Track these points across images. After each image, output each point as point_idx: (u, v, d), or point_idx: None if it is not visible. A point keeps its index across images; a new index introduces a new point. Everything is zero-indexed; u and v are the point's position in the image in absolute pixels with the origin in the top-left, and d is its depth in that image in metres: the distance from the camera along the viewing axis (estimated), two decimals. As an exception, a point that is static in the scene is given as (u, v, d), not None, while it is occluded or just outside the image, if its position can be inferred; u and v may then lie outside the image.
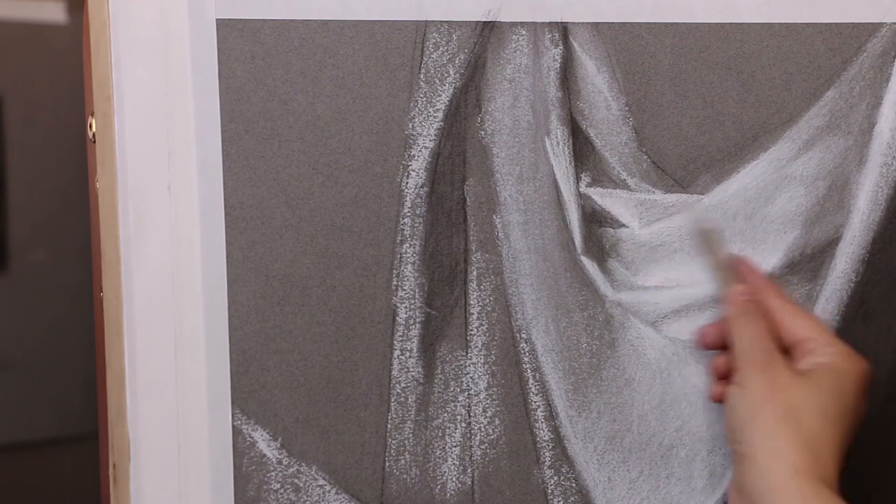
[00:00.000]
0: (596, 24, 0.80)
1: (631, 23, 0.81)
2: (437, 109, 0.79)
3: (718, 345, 0.82)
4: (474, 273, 0.80)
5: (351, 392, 0.78)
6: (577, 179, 0.81)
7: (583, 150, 0.81)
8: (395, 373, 0.79)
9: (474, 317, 0.80)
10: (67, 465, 1.48)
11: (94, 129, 0.76)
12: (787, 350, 0.80)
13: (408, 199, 0.78)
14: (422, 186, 0.78)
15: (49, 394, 1.71)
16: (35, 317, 1.71)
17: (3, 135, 1.67)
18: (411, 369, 0.79)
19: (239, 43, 0.75)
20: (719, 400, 0.81)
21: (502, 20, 0.79)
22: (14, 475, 1.72)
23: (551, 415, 0.82)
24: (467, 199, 0.79)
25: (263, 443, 0.77)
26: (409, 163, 0.78)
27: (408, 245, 0.79)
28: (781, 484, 0.74)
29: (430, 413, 0.80)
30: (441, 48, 0.78)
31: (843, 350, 0.79)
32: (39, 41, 1.67)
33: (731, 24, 0.83)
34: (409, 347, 0.79)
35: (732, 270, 0.82)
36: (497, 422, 0.81)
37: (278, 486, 0.77)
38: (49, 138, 1.66)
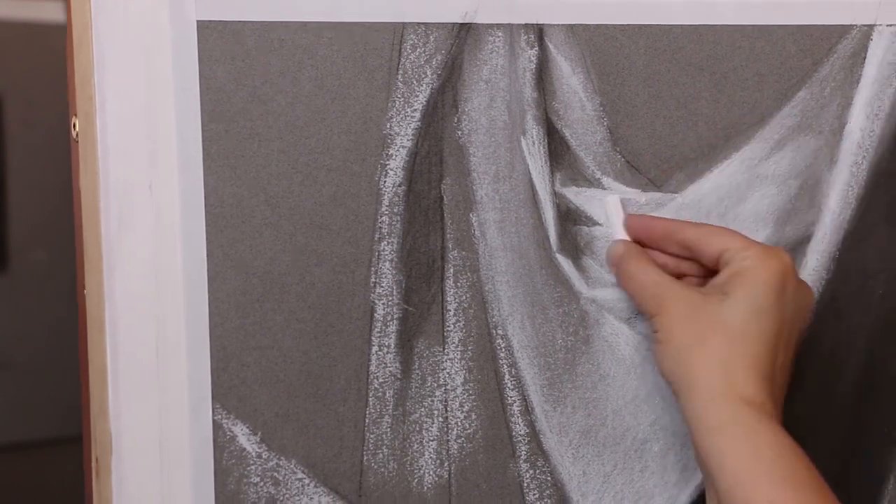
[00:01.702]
0: (571, 26, 0.81)
1: (605, 24, 0.82)
2: (415, 109, 0.80)
3: None
4: (451, 270, 0.81)
5: (329, 387, 0.79)
6: (553, 178, 0.82)
7: (558, 150, 0.82)
8: (373, 368, 0.80)
9: (451, 313, 0.81)
10: (67, 465, 1.49)
11: (77, 129, 0.77)
12: (715, 271, 0.78)
13: (386, 197, 0.79)
14: (399, 185, 0.79)
15: (49, 394, 1.73)
16: (35, 317, 1.73)
17: (3, 135, 1.68)
18: (389, 365, 0.80)
19: (219, 44, 0.76)
20: None
21: (479, 22, 0.80)
22: (14, 475, 1.73)
23: (527, 409, 0.83)
24: (444, 197, 0.80)
25: (243, 437, 0.78)
26: (387, 162, 0.79)
27: (386, 243, 0.80)
28: (699, 413, 0.73)
29: (408, 408, 0.81)
30: (418, 49, 0.79)
31: (758, 252, 0.76)
32: (39, 41, 1.69)
33: (704, 25, 0.84)
34: (386, 343, 0.80)
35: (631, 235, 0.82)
36: (473, 416, 0.82)
37: (258, 479, 0.78)
38: (49, 138, 1.67)
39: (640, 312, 0.80)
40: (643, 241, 0.81)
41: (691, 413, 0.74)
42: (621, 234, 0.81)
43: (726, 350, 0.73)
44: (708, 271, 0.80)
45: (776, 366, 0.75)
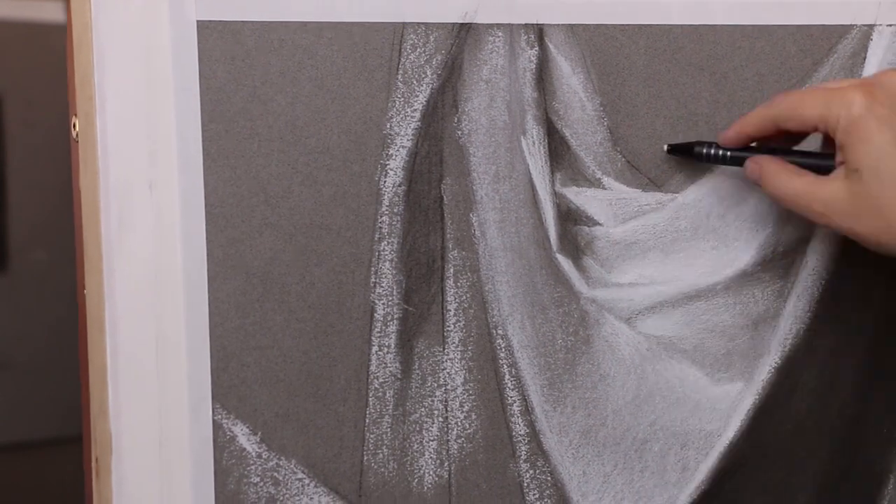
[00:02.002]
0: (571, 26, 0.81)
1: (605, 24, 0.82)
2: (415, 109, 0.80)
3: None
4: (451, 270, 0.81)
5: (329, 387, 0.79)
6: (553, 178, 0.82)
7: (558, 150, 0.82)
8: (373, 368, 0.80)
9: (451, 313, 0.81)
10: (67, 465, 1.49)
11: (77, 129, 0.77)
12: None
13: (386, 197, 0.79)
14: (399, 185, 0.80)
15: (49, 394, 1.72)
16: (35, 317, 1.72)
17: (3, 135, 1.68)
18: (389, 365, 0.80)
19: (219, 44, 0.76)
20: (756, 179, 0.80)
21: (479, 22, 0.80)
22: (14, 475, 1.73)
23: (527, 409, 0.83)
24: (444, 197, 0.80)
25: (243, 437, 0.78)
26: (387, 162, 0.79)
27: (386, 243, 0.80)
28: None
29: (408, 408, 0.81)
30: (418, 49, 0.79)
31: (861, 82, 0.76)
32: (39, 41, 1.68)
33: (704, 25, 0.84)
34: (386, 343, 0.80)
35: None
36: (473, 416, 0.82)
37: (258, 479, 0.78)
38: (49, 138, 1.67)
39: (808, 218, 0.78)
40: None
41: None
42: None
43: None
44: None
45: None
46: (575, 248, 0.83)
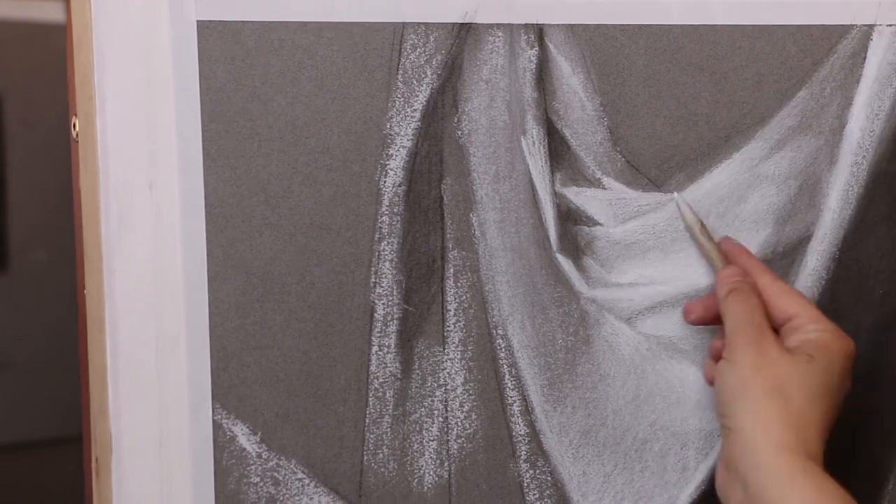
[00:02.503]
0: (571, 26, 0.81)
1: (605, 24, 0.82)
2: (415, 109, 0.80)
3: (705, 320, 0.83)
4: (451, 270, 0.81)
5: (330, 387, 0.79)
6: (553, 178, 0.82)
7: (558, 150, 0.82)
8: (373, 368, 0.80)
9: (451, 313, 0.81)
10: (67, 465, 1.49)
11: (77, 129, 0.77)
12: (776, 328, 0.80)
13: (386, 197, 0.79)
14: (399, 185, 0.80)
15: (49, 394, 1.72)
16: (35, 317, 1.72)
17: (3, 135, 1.68)
18: (389, 365, 0.80)
19: (219, 44, 0.76)
20: (712, 381, 0.82)
21: (479, 22, 0.80)
22: (14, 475, 1.73)
23: (527, 409, 0.83)
24: (444, 197, 0.80)
25: (243, 437, 0.78)
26: (387, 162, 0.79)
27: (386, 243, 0.80)
28: (768, 459, 0.75)
29: (408, 408, 0.81)
30: (418, 49, 0.79)
31: (830, 327, 0.79)
32: (39, 41, 1.68)
33: (703, 25, 0.84)
34: (386, 343, 0.80)
35: (722, 252, 0.83)
36: (474, 416, 0.82)
37: (258, 479, 0.78)
38: (49, 138, 1.67)
39: (730, 334, 0.79)
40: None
41: (755, 459, 0.75)
42: (695, 232, 0.83)
43: (803, 407, 0.76)
44: None
45: (827, 434, 0.78)
46: (575, 248, 0.83)
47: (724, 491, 0.78)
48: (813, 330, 0.79)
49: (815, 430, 0.76)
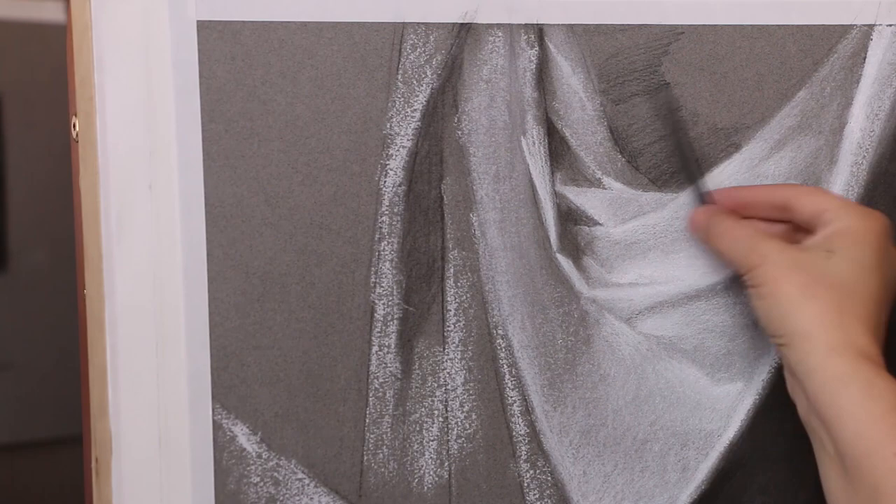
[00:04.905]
0: (571, 26, 0.81)
1: (605, 24, 0.82)
2: (415, 109, 0.80)
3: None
4: (451, 270, 0.81)
5: (330, 387, 0.79)
6: (553, 178, 0.82)
7: (558, 150, 0.82)
8: (373, 368, 0.80)
9: (451, 313, 0.81)
10: (67, 465, 1.49)
11: (77, 129, 0.77)
12: (808, 230, 0.79)
13: (386, 197, 0.79)
14: (399, 185, 0.80)
15: (49, 394, 1.73)
16: (35, 317, 1.72)
17: (3, 135, 1.68)
18: (389, 365, 0.80)
19: (219, 44, 0.76)
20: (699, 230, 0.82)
21: (479, 22, 0.80)
22: (14, 475, 1.73)
23: (527, 409, 0.83)
24: (444, 197, 0.81)
25: (243, 437, 0.78)
26: (387, 162, 0.79)
27: (386, 243, 0.80)
28: (816, 365, 0.73)
29: (408, 408, 0.81)
30: (418, 49, 0.79)
31: (853, 212, 0.78)
32: (39, 41, 1.69)
33: (703, 25, 0.84)
34: (387, 343, 0.80)
35: (698, 162, 0.83)
36: (474, 416, 0.82)
37: (258, 479, 0.78)
38: (49, 138, 1.67)
39: (737, 269, 0.79)
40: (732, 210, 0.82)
41: (807, 366, 0.74)
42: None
43: (838, 304, 0.74)
44: (796, 234, 0.81)
45: (881, 322, 0.76)
46: (575, 248, 0.83)
47: (793, 398, 0.78)
48: (831, 220, 0.78)
49: (861, 324, 0.74)
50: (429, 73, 0.80)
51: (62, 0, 1.64)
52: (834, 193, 0.81)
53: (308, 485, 0.79)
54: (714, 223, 0.81)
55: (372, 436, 0.80)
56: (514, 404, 0.82)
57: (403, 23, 0.79)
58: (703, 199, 0.82)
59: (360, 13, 0.78)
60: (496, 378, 0.82)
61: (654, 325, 0.84)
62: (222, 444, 0.78)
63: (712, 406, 0.85)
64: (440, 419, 0.81)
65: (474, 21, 0.80)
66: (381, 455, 0.80)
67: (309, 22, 0.77)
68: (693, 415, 0.85)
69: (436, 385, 0.81)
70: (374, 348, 0.80)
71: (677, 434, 0.84)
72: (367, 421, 0.80)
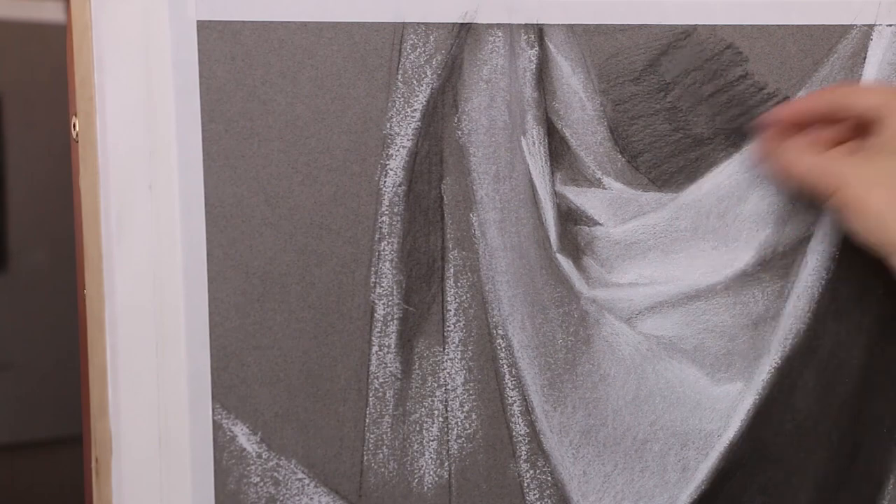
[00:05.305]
0: (571, 26, 0.81)
1: (605, 24, 0.82)
2: (415, 109, 0.80)
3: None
4: (451, 270, 0.81)
5: (330, 387, 0.79)
6: (553, 178, 0.82)
7: (558, 150, 0.82)
8: (373, 368, 0.80)
9: (451, 313, 0.81)
10: (67, 465, 1.49)
11: (77, 129, 0.77)
12: (870, 126, 0.80)
13: (386, 197, 0.79)
14: (399, 185, 0.80)
15: (49, 394, 1.72)
16: (35, 317, 1.72)
17: (3, 135, 1.68)
18: (389, 365, 0.80)
19: (219, 44, 0.76)
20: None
21: (479, 22, 0.80)
22: (14, 475, 1.73)
23: (527, 409, 0.83)
24: (444, 197, 0.81)
25: (243, 437, 0.78)
26: (387, 162, 0.79)
27: (386, 243, 0.80)
28: None
29: (408, 408, 0.81)
30: (418, 49, 0.79)
31: None
32: (39, 41, 1.68)
33: (704, 25, 0.84)
34: (387, 343, 0.80)
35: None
36: (474, 416, 0.82)
37: (258, 479, 0.78)
38: (49, 138, 1.67)
39: (816, 196, 0.80)
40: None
41: None
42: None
43: None
44: (856, 130, 0.81)
45: None
46: (575, 248, 0.83)
47: None
48: (888, 115, 0.78)
49: None
50: (429, 73, 0.80)
51: (62, 0, 1.64)
52: (881, 86, 0.81)
53: (308, 485, 0.79)
54: (779, 156, 0.81)
55: (372, 436, 0.80)
56: (514, 404, 0.82)
57: (403, 23, 0.79)
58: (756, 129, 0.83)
59: (360, 13, 0.78)
60: (496, 378, 0.82)
61: (654, 325, 0.84)
62: (222, 444, 0.78)
63: (712, 406, 0.85)
64: (440, 419, 0.81)
65: (474, 21, 0.80)
66: (381, 455, 0.80)
67: (309, 22, 0.77)
68: (693, 415, 0.85)
69: (436, 385, 0.81)
70: (374, 348, 0.80)
71: (677, 434, 0.84)
72: (367, 421, 0.80)
